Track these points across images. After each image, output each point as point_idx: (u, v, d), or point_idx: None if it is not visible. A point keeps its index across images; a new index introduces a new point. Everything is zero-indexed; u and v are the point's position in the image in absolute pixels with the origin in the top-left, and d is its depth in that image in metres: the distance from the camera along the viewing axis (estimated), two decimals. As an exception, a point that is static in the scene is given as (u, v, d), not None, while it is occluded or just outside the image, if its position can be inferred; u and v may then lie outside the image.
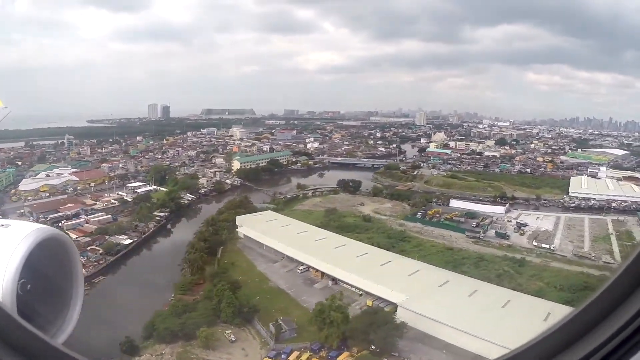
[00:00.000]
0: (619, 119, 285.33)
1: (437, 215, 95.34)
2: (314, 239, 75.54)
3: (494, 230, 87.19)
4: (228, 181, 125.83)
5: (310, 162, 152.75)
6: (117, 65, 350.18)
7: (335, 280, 63.90)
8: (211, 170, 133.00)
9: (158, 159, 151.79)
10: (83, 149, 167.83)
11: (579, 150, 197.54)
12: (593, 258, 76.83)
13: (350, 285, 61.52)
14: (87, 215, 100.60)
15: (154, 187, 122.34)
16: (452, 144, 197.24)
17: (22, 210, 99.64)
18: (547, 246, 79.92)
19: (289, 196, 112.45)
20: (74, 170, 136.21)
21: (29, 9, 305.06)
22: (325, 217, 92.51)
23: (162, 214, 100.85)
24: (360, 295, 60.01)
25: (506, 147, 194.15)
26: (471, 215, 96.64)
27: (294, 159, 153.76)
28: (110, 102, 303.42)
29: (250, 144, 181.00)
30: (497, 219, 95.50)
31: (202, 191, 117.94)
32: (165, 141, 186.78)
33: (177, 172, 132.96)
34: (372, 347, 46.87)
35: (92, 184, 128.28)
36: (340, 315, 47.42)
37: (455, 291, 57.16)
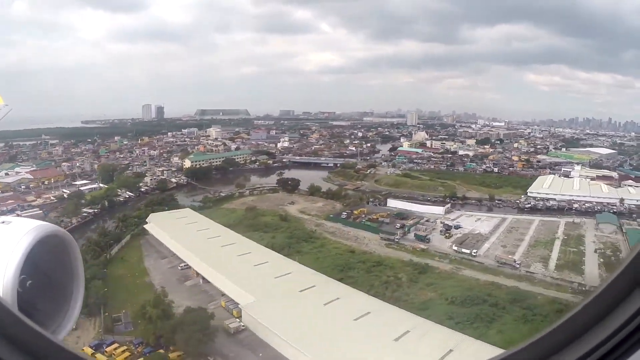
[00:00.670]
0: (618, 119, 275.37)
1: (363, 216, 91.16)
2: (206, 237, 73.41)
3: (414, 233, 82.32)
4: (173, 180, 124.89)
5: (269, 162, 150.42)
6: (115, 66, 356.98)
7: (204, 278, 61.47)
8: (159, 169, 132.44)
9: (119, 159, 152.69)
10: (55, 149, 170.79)
11: (564, 149, 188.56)
12: (517, 266, 69.91)
13: (213, 283, 58.92)
14: (21, 211, 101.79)
15: (100, 185, 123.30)
16: (432, 143, 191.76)
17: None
18: (468, 251, 73.90)
19: (223, 194, 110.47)
20: (32, 169, 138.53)
21: (27, 11, 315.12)
22: (243, 216, 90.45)
23: (90, 211, 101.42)
24: (223, 295, 57.30)
25: (485, 147, 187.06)
26: (401, 215, 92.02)
27: (253, 158, 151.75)
28: (109, 103, 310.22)
29: (220, 143, 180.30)
30: (427, 220, 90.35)
31: (143, 189, 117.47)
32: (140, 141, 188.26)
33: (127, 171, 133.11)
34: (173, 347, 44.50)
35: (46, 182, 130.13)
36: (156, 311, 45.02)
37: (313, 298, 53.45)
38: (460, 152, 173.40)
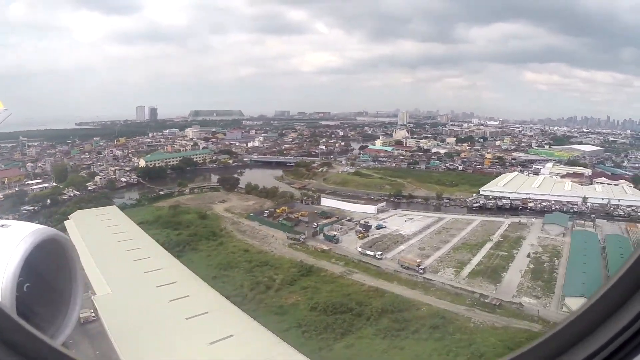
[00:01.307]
0: (617, 118, 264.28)
1: (284, 214, 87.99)
2: (110, 232, 71.21)
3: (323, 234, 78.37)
4: (123, 179, 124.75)
5: (229, 161, 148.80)
6: (112, 67, 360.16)
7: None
8: (112, 168, 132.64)
9: (85, 159, 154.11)
10: (30, 150, 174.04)
11: (547, 147, 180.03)
12: (420, 271, 63.65)
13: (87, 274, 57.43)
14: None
15: (53, 184, 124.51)
16: (406, 141, 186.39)
17: None
18: (372, 253, 69.33)
19: (162, 193, 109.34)
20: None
21: (24, 14, 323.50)
22: (165, 214, 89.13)
23: (30, 208, 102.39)
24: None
25: (464, 145, 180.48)
26: (325, 214, 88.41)
27: (214, 158, 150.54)
28: (106, 105, 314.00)
29: (192, 143, 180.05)
30: (349, 220, 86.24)
31: (91, 188, 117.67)
32: (115, 142, 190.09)
33: (87, 171, 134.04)
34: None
35: (6, 181, 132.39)
36: None
37: (165, 294, 50.07)
38: (434, 150, 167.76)
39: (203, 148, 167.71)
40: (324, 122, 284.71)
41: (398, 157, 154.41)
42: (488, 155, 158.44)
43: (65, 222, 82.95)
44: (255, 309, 51.80)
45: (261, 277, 60.18)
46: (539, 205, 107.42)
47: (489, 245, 76.53)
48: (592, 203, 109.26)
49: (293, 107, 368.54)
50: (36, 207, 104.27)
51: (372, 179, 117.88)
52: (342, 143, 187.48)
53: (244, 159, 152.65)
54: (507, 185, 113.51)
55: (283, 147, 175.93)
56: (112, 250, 63.72)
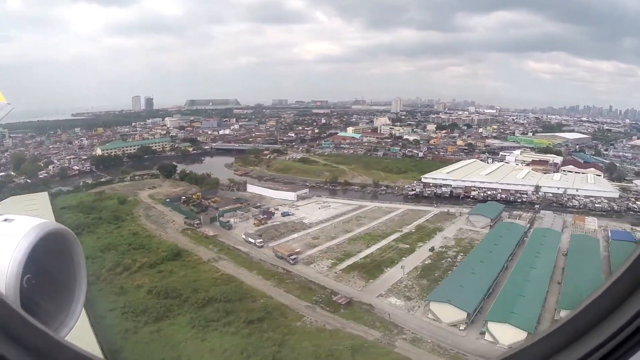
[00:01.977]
0: (620, 107, 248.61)
1: (198, 200, 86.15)
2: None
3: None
4: (75, 167, 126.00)
5: (189, 149, 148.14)
6: (110, 59, 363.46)
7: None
8: (67, 157, 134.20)
9: (52, 149, 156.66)
10: (6, 141, 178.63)
11: (530, 134, 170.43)
12: (291, 261, 59.39)
13: None
14: None
15: (11, 173, 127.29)
16: (380, 128, 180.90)
17: None
18: (253, 241, 66.30)
19: (103, 180, 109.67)
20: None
21: (21, 6, 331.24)
22: (88, 200, 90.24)
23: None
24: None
25: (442, 132, 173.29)
26: (239, 200, 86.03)
27: (176, 146, 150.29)
28: (105, 96, 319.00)
29: (165, 132, 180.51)
30: (255, 206, 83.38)
31: (42, 176, 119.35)
32: (93, 132, 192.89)
33: (43, 160, 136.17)
34: None
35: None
36: None
37: None
38: (405, 137, 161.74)
39: (162, 136, 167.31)
40: (315, 111, 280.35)
41: (363, 144, 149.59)
42: (459, 142, 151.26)
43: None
44: (101, 289, 50.78)
45: (128, 259, 58.69)
46: (483, 194, 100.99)
47: (394, 236, 71.52)
48: (545, 193, 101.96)
49: (292, 96, 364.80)
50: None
51: (315, 165, 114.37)
52: (317, 131, 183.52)
53: (205, 147, 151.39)
54: (453, 173, 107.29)
55: (252, 135, 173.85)
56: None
